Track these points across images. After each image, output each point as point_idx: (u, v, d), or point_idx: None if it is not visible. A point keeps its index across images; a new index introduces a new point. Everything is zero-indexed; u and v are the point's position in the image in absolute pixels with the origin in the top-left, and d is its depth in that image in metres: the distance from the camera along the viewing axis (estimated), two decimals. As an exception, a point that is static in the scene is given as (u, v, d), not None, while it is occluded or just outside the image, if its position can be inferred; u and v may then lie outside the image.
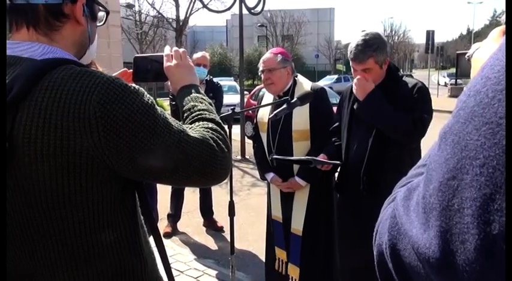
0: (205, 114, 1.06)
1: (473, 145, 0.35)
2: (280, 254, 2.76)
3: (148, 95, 0.91)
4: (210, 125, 1.02)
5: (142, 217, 1.05)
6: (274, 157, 2.51)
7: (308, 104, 2.45)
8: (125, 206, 0.96)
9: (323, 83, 23.87)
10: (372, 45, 2.12)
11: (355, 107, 2.29)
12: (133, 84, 0.91)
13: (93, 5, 1.00)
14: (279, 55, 2.60)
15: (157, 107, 0.92)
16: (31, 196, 0.86)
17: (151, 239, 1.10)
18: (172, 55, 1.18)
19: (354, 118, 2.31)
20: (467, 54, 0.67)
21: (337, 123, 2.52)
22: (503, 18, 0.53)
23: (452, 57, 62.88)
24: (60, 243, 0.89)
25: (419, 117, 2.05)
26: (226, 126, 2.23)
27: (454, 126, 0.38)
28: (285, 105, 2.19)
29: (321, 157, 2.36)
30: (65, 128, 0.82)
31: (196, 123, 1.03)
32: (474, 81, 0.38)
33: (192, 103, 1.09)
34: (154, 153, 0.88)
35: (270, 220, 2.81)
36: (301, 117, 2.55)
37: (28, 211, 0.87)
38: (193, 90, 1.13)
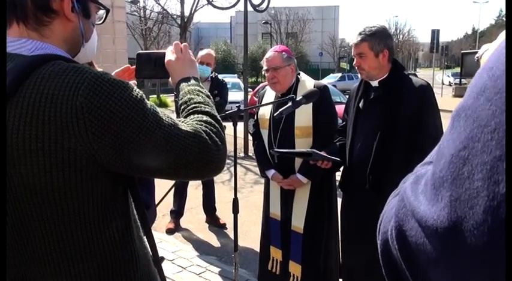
0: (201, 107, 1.05)
1: (485, 114, 0.37)
2: (275, 253, 2.75)
3: (137, 90, 0.91)
4: (205, 118, 1.01)
5: (135, 212, 1.05)
6: (275, 150, 2.51)
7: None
8: (117, 201, 0.96)
9: (327, 81, 23.87)
10: (369, 31, 2.19)
11: (360, 105, 2.29)
12: (122, 79, 0.91)
13: (86, 2, 0.99)
14: (283, 53, 2.60)
15: (147, 101, 0.91)
16: (21, 192, 0.86)
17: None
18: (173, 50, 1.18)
19: (359, 116, 2.31)
20: (476, 55, 0.68)
21: (343, 123, 2.53)
22: None
23: (457, 57, 62.65)
24: (51, 238, 0.90)
25: (434, 132, 2.09)
26: (231, 123, 2.23)
27: (466, 103, 0.40)
28: (290, 104, 2.19)
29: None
30: (52, 124, 0.82)
31: (191, 116, 1.02)
32: (486, 62, 0.41)
33: (188, 96, 1.08)
34: (144, 148, 0.87)
35: (267, 218, 2.79)
36: (304, 114, 2.55)
37: (19, 207, 0.88)
38: (191, 83, 1.12)
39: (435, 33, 24.52)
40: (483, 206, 0.35)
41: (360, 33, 2.21)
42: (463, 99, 0.41)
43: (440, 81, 30.39)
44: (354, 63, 2.28)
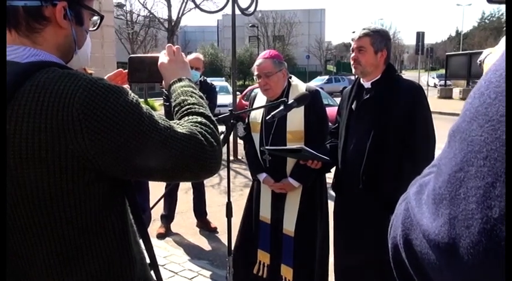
0: (195, 108, 1.06)
1: (477, 140, 0.39)
2: (263, 257, 2.74)
3: (132, 94, 0.91)
4: (199, 119, 1.02)
5: (131, 217, 1.05)
6: (266, 147, 2.52)
7: (303, 105, 2.46)
8: (114, 206, 0.96)
9: (314, 83, 24.02)
10: (373, 29, 2.28)
11: (353, 106, 2.32)
12: (117, 84, 0.91)
13: (79, 9, 0.99)
14: (274, 59, 2.58)
15: (143, 105, 0.92)
16: (18, 199, 0.86)
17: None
18: (165, 52, 1.20)
19: (352, 117, 2.34)
20: (479, 59, 0.69)
21: (336, 125, 2.55)
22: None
23: (441, 59, 63.45)
24: (49, 244, 0.90)
25: (426, 134, 2.18)
26: (224, 127, 2.23)
27: (461, 125, 0.43)
28: (281, 107, 2.20)
29: None
30: (48, 131, 0.82)
31: (185, 118, 1.02)
32: (479, 84, 0.43)
33: (182, 97, 1.09)
34: (141, 152, 0.88)
35: (257, 222, 2.77)
36: (295, 118, 2.56)
37: (16, 214, 0.87)
38: (184, 84, 1.13)
39: (420, 36, 24.81)
40: (478, 228, 0.37)
41: (364, 29, 2.29)
42: (459, 118, 0.44)
43: (425, 83, 30.76)
44: (352, 56, 2.32)
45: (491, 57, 0.66)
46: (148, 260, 1.11)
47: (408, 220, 0.49)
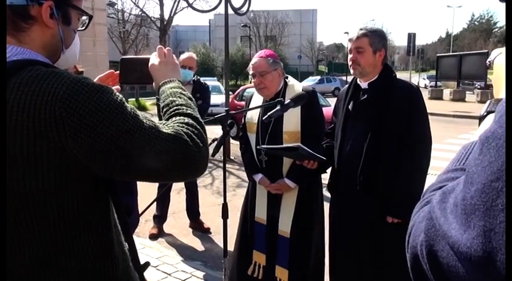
0: (183, 109, 1.05)
1: None
2: (258, 258, 2.72)
3: (117, 93, 0.91)
4: (186, 120, 1.01)
5: (116, 216, 1.04)
6: (263, 146, 2.51)
7: (300, 106, 2.45)
8: (97, 205, 0.96)
9: (306, 83, 24.15)
10: (371, 29, 2.28)
11: (350, 107, 2.32)
12: (102, 83, 0.91)
13: (66, 9, 0.99)
14: (268, 58, 2.58)
15: (128, 105, 0.92)
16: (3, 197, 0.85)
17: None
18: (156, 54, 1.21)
19: (348, 118, 2.34)
20: (488, 60, 0.68)
21: (331, 125, 2.55)
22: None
23: (432, 60, 63.95)
24: (30, 243, 0.89)
25: (423, 133, 2.19)
26: (220, 126, 2.21)
27: (496, 131, 0.40)
28: (278, 107, 2.19)
29: None
30: (31, 130, 0.81)
31: (173, 119, 1.02)
32: None
33: (170, 98, 1.09)
34: (124, 151, 0.87)
35: (252, 223, 2.75)
36: (292, 118, 2.55)
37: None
38: (173, 85, 1.13)
39: (411, 37, 24.99)
40: None
41: (362, 29, 2.28)
42: (493, 124, 0.41)
43: (416, 84, 30.92)
44: (350, 57, 2.30)
45: (501, 57, 0.65)
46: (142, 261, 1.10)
47: (432, 229, 0.46)
